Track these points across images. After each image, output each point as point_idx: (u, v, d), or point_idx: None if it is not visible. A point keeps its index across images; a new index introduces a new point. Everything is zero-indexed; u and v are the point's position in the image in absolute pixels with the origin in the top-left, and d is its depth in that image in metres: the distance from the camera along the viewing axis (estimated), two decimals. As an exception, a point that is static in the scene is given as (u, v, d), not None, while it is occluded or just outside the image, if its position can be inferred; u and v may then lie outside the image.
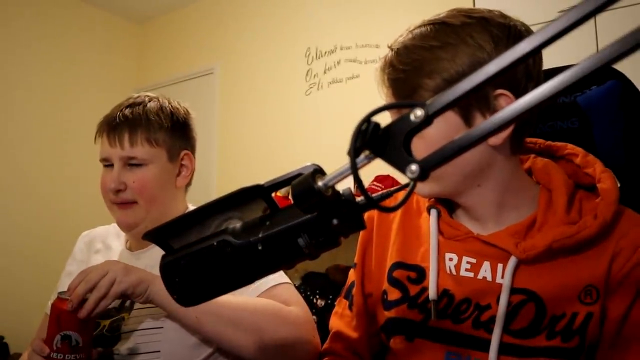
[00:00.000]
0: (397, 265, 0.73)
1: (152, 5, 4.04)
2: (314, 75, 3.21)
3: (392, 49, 0.67)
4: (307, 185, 0.35)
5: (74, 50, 3.78)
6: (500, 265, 0.65)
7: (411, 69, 0.63)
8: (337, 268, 2.43)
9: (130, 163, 0.94)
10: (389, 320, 0.72)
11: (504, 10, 0.66)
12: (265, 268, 0.41)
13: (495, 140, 0.62)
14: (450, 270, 0.69)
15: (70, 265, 1.07)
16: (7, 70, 3.39)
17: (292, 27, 3.37)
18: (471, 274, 0.67)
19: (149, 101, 0.98)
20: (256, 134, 3.43)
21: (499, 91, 0.61)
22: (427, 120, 0.31)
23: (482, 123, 0.31)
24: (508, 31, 0.62)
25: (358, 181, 0.33)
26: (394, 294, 0.72)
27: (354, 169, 0.33)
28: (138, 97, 1.00)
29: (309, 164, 0.38)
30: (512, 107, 0.30)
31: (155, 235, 0.46)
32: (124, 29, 4.22)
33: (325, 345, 0.84)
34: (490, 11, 0.64)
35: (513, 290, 0.63)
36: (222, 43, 3.75)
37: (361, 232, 0.82)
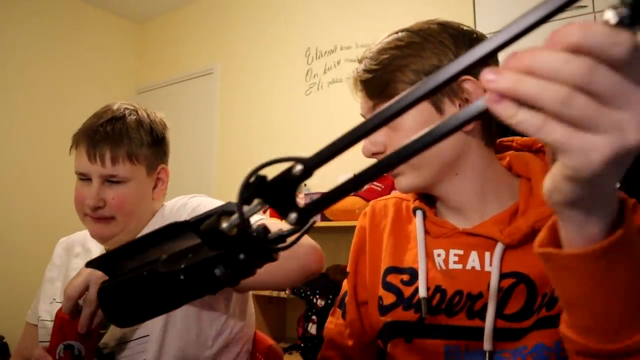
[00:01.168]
0: (390, 270, 0.75)
1: (152, 5, 4.04)
2: (314, 75, 3.21)
3: (361, 61, 0.73)
4: (212, 226, 0.40)
5: (74, 50, 3.78)
6: (487, 253, 0.67)
7: (381, 67, 0.69)
8: (337, 268, 2.43)
9: (110, 180, 0.93)
10: (386, 325, 0.73)
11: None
12: (189, 295, 0.46)
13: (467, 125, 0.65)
14: (439, 266, 0.70)
15: (50, 272, 1.08)
16: (7, 70, 3.39)
17: (292, 27, 3.37)
18: (460, 266, 0.68)
19: (129, 115, 0.97)
20: (256, 134, 3.43)
21: (464, 77, 0.65)
22: (307, 174, 0.35)
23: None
24: (463, 32, 0.69)
25: (246, 226, 0.38)
26: (389, 299, 0.73)
27: (242, 218, 0.37)
28: (117, 109, 0.97)
29: (232, 202, 0.43)
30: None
31: (99, 264, 0.51)
32: (124, 29, 4.22)
33: (319, 354, 0.84)
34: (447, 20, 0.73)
35: (503, 275, 0.64)
36: (222, 43, 3.75)
37: (353, 241, 0.84)
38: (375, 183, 2.46)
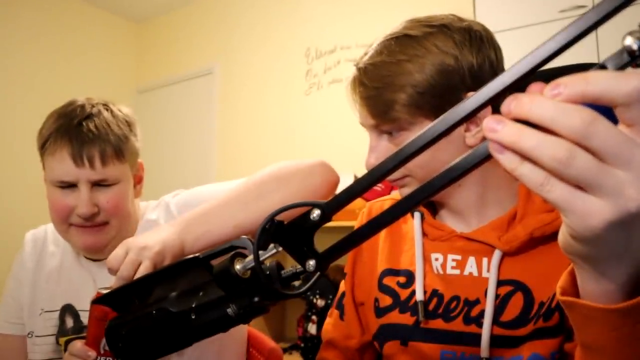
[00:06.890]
0: (387, 272, 0.75)
1: (152, 5, 4.03)
2: (314, 75, 3.20)
3: (359, 68, 0.68)
4: (225, 269, 0.40)
5: (74, 50, 3.78)
6: (485, 259, 0.67)
7: (382, 85, 0.65)
8: (337, 268, 2.43)
9: (101, 184, 0.85)
10: (381, 327, 0.73)
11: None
12: (200, 334, 0.45)
13: (474, 141, 0.64)
14: (437, 270, 0.70)
15: (26, 279, 0.96)
16: (6, 70, 3.38)
17: (291, 27, 3.36)
18: (457, 271, 0.68)
19: (104, 109, 0.89)
20: (256, 134, 3.43)
21: (471, 94, 0.63)
22: (325, 218, 0.35)
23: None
24: (469, 35, 0.65)
25: (260, 271, 0.38)
26: (385, 301, 0.73)
27: (258, 263, 0.37)
28: (85, 105, 0.89)
29: (244, 237, 0.43)
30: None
31: (107, 300, 0.51)
32: (124, 29, 4.21)
33: (317, 355, 0.84)
34: (446, 16, 0.67)
35: (500, 283, 0.64)
36: (221, 43, 3.75)
37: None
38: (375, 183, 2.46)
